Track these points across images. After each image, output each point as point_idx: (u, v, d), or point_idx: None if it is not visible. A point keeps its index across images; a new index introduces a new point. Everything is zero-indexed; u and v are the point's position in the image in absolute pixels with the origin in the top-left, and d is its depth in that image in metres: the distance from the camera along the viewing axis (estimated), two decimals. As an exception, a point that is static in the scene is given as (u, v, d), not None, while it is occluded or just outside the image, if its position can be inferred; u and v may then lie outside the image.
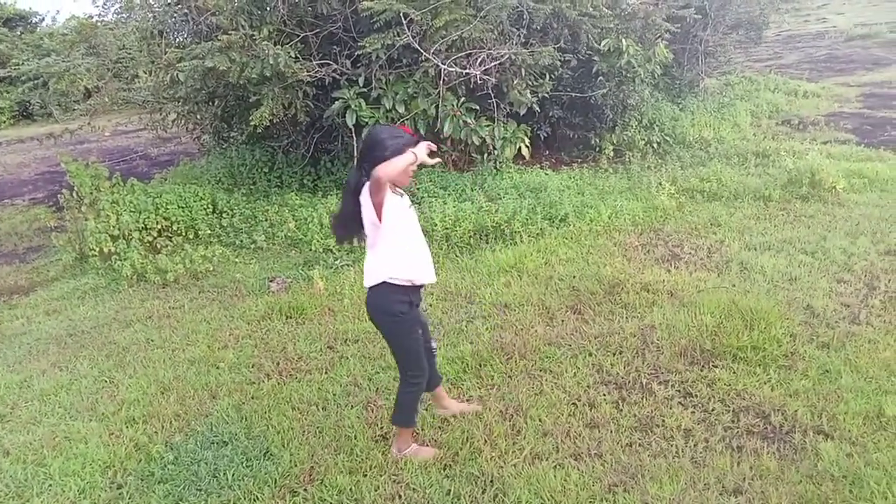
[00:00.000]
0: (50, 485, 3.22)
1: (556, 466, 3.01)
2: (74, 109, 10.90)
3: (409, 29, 6.08)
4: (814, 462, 2.92)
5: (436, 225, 5.76)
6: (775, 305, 4.20)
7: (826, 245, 5.18)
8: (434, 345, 3.28)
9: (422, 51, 6.19)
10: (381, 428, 3.39)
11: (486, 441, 3.21)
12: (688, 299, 4.43)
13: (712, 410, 3.33)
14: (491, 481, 2.95)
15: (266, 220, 6.83)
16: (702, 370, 3.66)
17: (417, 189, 6.74)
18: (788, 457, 2.98)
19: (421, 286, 3.00)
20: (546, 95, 7.29)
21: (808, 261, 4.95)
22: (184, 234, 6.63)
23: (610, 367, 3.77)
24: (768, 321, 3.95)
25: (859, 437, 3.04)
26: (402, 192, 2.95)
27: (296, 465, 3.17)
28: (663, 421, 3.27)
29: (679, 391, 3.51)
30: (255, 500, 2.98)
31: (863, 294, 4.39)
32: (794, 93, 11.92)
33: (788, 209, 6.12)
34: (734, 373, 3.60)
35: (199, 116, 8.88)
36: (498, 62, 6.58)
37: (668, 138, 8.57)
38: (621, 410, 3.39)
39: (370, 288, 2.92)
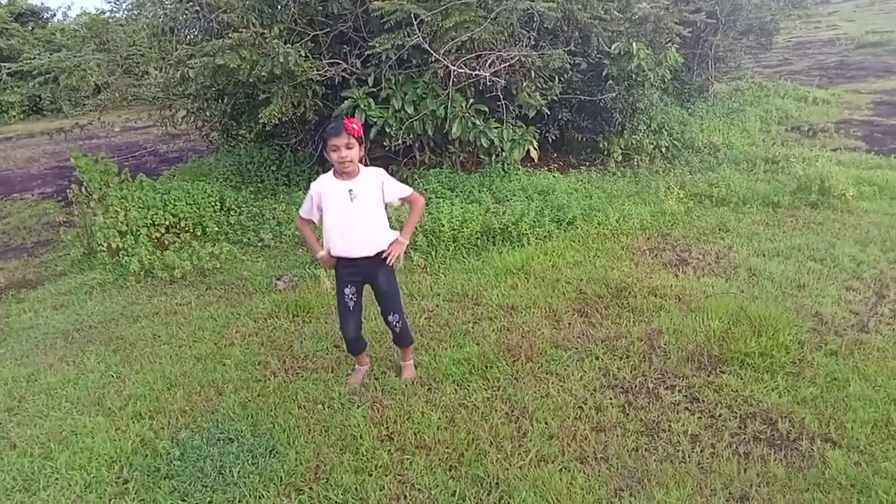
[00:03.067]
0: (56, 478, 3.23)
1: (561, 469, 3.00)
2: (84, 105, 10.95)
3: (419, 30, 6.09)
4: (821, 470, 2.91)
5: (443, 226, 5.76)
6: (783, 312, 4.18)
7: (835, 252, 5.16)
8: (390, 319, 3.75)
9: (432, 52, 6.19)
10: (387, 428, 3.39)
11: (491, 443, 3.21)
12: (695, 304, 4.42)
13: (719, 416, 3.32)
14: (496, 483, 2.95)
15: (273, 218, 6.84)
16: (709, 376, 3.65)
17: (425, 190, 6.75)
18: (796, 464, 2.97)
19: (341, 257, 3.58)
20: (555, 98, 7.28)
21: (817, 268, 4.93)
22: (191, 230, 6.65)
23: (616, 371, 3.76)
24: (776, 328, 3.94)
25: (867, 446, 3.02)
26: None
27: (301, 464, 3.17)
28: (670, 426, 3.26)
29: (686, 396, 3.50)
30: (260, 498, 2.99)
31: (872, 302, 4.37)
32: (804, 99, 11.90)
33: (797, 216, 6.09)
34: (741, 379, 3.59)
35: (208, 114, 8.91)
36: (507, 64, 6.57)
37: (676, 143, 8.55)
38: (628, 415, 3.38)
39: None
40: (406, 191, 3.58)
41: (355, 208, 3.40)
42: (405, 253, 3.67)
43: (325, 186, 3.46)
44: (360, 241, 3.47)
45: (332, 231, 3.49)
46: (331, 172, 3.48)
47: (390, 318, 3.71)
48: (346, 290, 3.62)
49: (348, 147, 3.29)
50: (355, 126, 3.29)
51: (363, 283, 3.66)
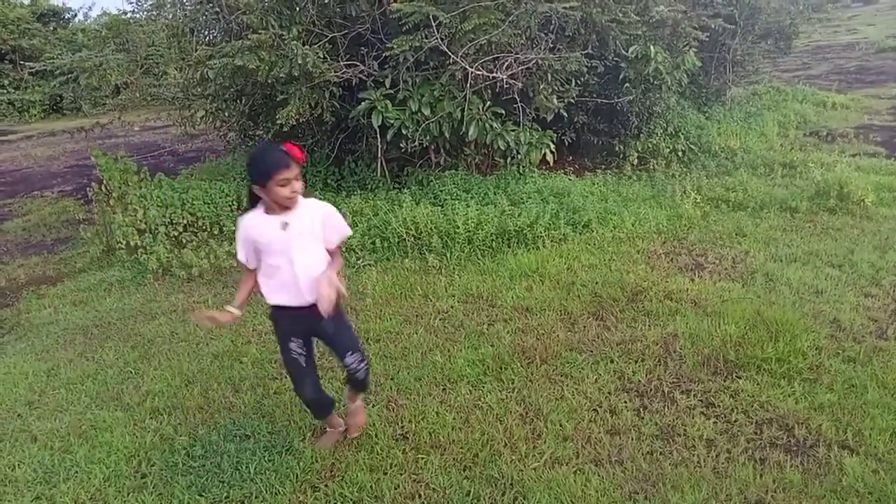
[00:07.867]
0: (76, 471, 3.28)
1: (576, 471, 3.01)
2: (104, 104, 11.09)
3: (437, 32, 6.11)
4: (838, 477, 2.89)
5: (458, 227, 5.77)
6: (801, 318, 4.15)
7: (854, 258, 5.11)
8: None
9: (450, 53, 6.21)
10: (402, 427, 3.41)
11: (506, 444, 3.22)
12: (711, 309, 4.40)
13: (735, 421, 3.31)
14: (511, 484, 2.96)
15: (290, 218, 6.87)
16: (725, 380, 3.64)
17: (441, 191, 6.76)
18: (812, 471, 2.95)
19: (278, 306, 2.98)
20: (572, 101, 7.27)
21: (835, 274, 4.89)
22: (209, 229, 6.72)
23: (632, 375, 3.75)
24: (793, 333, 3.91)
25: (885, 454, 3.00)
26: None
27: (317, 461, 3.20)
28: (685, 430, 3.25)
29: (701, 401, 3.49)
30: (276, 494, 3.01)
31: (891, 309, 4.33)
32: (822, 104, 11.79)
33: (815, 221, 6.05)
34: (758, 384, 3.57)
35: (226, 114, 8.97)
36: (525, 67, 6.58)
37: (693, 147, 8.51)
38: (642, 418, 3.38)
39: None
40: (345, 234, 3.04)
41: (289, 242, 2.84)
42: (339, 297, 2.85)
43: (255, 224, 2.88)
44: (301, 285, 2.86)
45: (267, 275, 2.92)
46: (259, 210, 2.91)
47: (349, 358, 3.03)
48: (292, 346, 3.01)
49: (298, 179, 2.79)
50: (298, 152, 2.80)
51: (309, 335, 3.07)
